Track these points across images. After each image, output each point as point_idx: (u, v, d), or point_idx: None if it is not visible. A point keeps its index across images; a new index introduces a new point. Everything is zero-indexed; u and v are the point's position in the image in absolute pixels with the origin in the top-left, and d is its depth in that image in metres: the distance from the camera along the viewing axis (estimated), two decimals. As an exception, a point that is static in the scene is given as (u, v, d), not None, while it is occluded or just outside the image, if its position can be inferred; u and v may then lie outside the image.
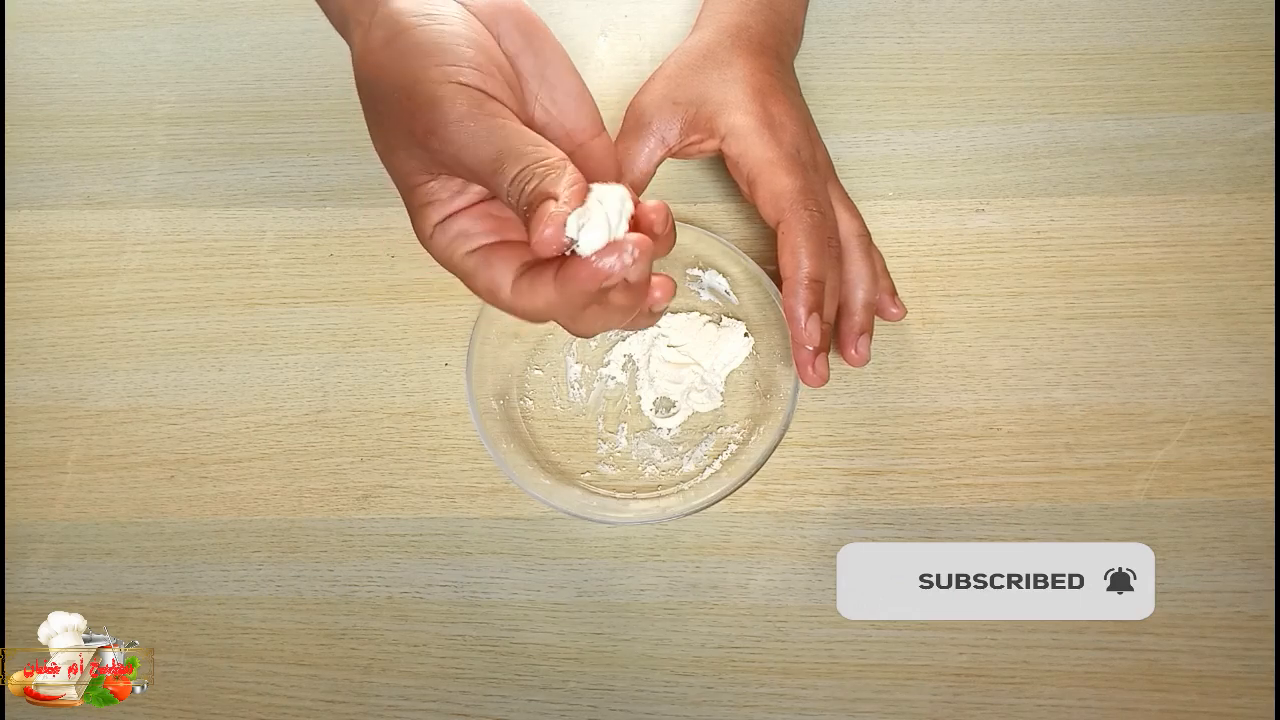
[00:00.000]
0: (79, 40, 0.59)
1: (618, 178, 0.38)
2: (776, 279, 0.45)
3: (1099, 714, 0.43)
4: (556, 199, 0.31)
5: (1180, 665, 0.44)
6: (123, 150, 0.56)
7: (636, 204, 0.33)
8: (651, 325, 0.37)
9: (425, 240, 0.36)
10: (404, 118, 0.34)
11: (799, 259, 0.43)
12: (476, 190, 0.36)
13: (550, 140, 0.37)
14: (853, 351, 0.46)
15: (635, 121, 0.48)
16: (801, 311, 0.42)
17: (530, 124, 0.36)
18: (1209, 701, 0.43)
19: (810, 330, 0.42)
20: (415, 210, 0.36)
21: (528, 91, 0.37)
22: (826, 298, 0.43)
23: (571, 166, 0.32)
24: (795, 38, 0.54)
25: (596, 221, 0.31)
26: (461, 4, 0.35)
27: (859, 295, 0.46)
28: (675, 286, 0.36)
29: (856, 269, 0.46)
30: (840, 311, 0.46)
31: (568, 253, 0.32)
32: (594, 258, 0.31)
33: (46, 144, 0.56)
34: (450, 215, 0.36)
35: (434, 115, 0.33)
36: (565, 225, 0.31)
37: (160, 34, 0.59)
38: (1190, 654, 0.44)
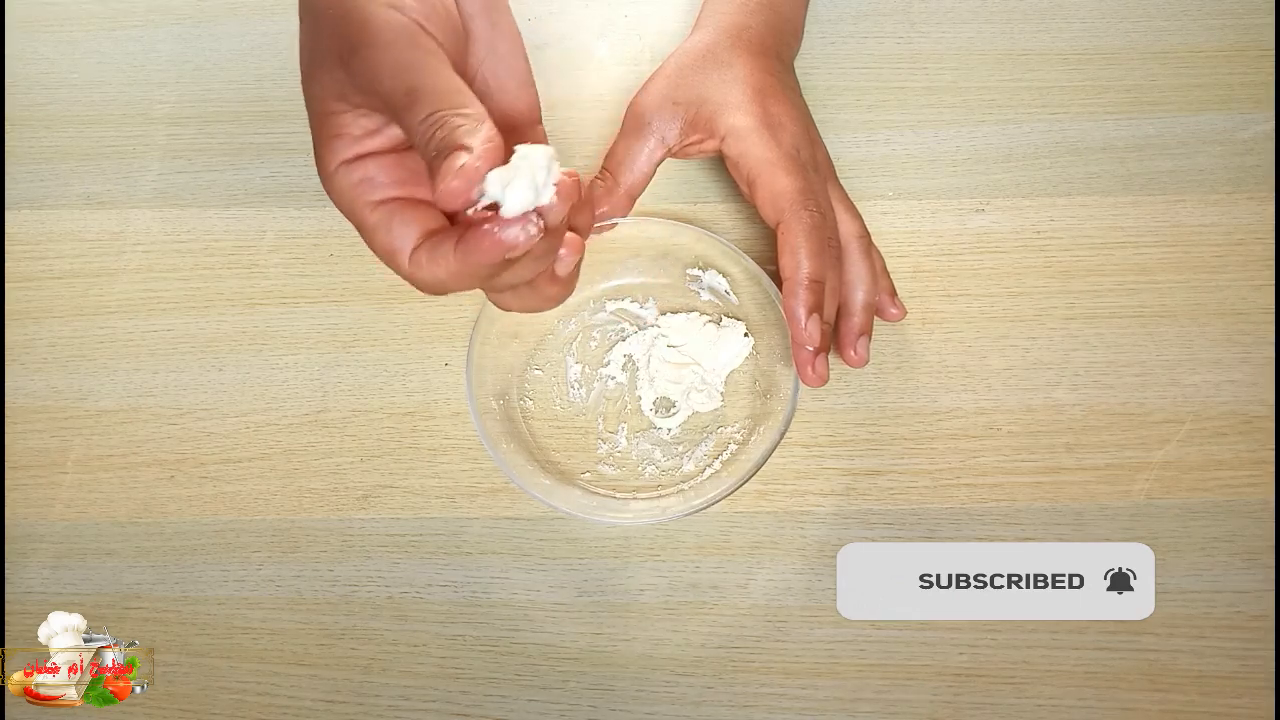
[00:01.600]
0: (79, 40, 0.59)
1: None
2: (777, 279, 0.45)
3: (1099, 714, 0.43)
4: (469, 150, 0.29)
5: (1180, 665, 0.43)
6: (123, 150, 0.56)
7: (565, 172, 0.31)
8: (565, 298, 0.35)
9: (327, 177, 0.33)
10: (333, 37, 0.32)
11: (799, 259, 0.43)
12: (391, 135, 0.34)
13: None
14: (852, 352, 0.46)
15: (635, 121, 0.48)
16: (802, 312, 0.42)
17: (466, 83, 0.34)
18: (1209, 701, 0.43)
19: (811, 331, 0.42)
20: (322, 142, 0.33)
21: (473, 56, 0.35)
22: (826, 298, 0.43)
23: (490, 123, 0.31)
24: (795, 38, 0.54)
25: (521, 181, 0.29)
26: None
27: (858, 296, 0.46)
28: (584, 246, 0.34)
29: (856, 270, 0.46)
30: (839, 312, 0.46)
31: (471, 211, 0.30)
32: (496, 228, 0.29)
33: (46, 144, 0.56)
34: (359, 157, 0.33)
35: (362, 35, 0.32)
36: (477, 180, 0.29)
37: (160, 34, 0.59)
38: (1190, 654, 0.44)
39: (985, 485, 0.47)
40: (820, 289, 0.43)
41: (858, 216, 0.47)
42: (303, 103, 0.56)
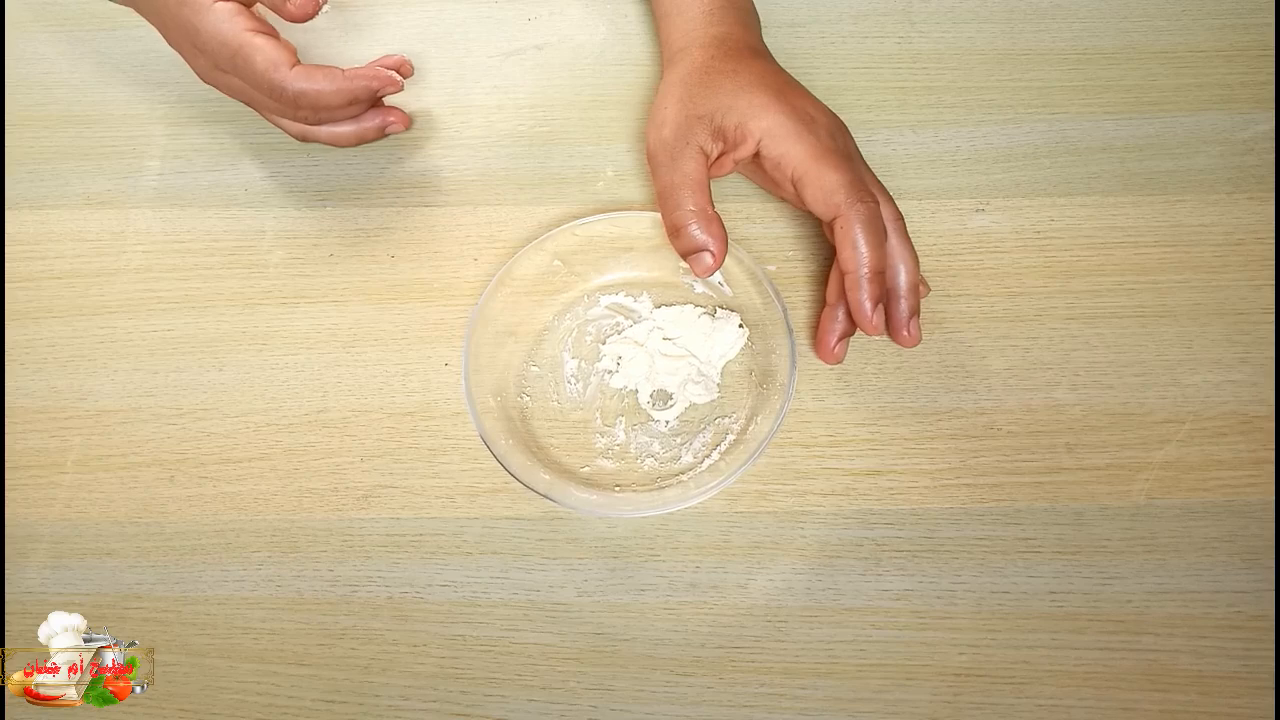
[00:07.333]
0: (79, 40, 0.59)
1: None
2: (774, 276, 0.45)
3: (1099, 714, 0.43)
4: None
5: (1180, 665, 0.43)
6: (123, 150, 0.56)
7: None
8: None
9: (204, 9, 0.46)
10: None
11: (860, 252, 0.44)
12: None
13: None
14: (906, 334, 0.47)
15: (666, 153, 0.47)
16: (869, 305, 0.44)
17: None
18: (1209, 701, 0.43)
19: (876, 322, 0.44)
20: None
21: None
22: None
23: None
24: (758, 22, 0.54)
25: None
26: None
27: (904, 279, 0.47)
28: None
29: (899, 252, 0.47)
30: (887, 297, 0.47)
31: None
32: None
33: (46, 144, 0.56)
34: None
35: None
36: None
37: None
38: (1190, 654, 0.44)
39: (985, 485, 0.47)
40: (882, 280, 0.44)
41: (891, 199, 0.48)
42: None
